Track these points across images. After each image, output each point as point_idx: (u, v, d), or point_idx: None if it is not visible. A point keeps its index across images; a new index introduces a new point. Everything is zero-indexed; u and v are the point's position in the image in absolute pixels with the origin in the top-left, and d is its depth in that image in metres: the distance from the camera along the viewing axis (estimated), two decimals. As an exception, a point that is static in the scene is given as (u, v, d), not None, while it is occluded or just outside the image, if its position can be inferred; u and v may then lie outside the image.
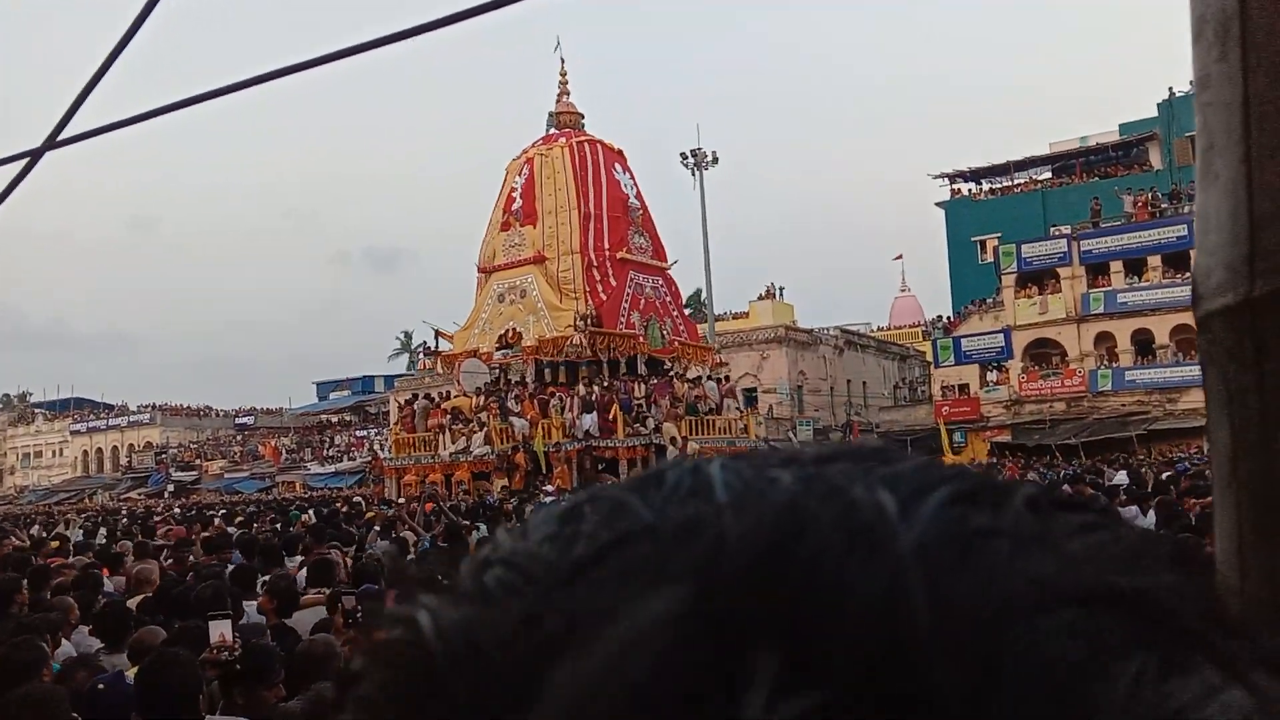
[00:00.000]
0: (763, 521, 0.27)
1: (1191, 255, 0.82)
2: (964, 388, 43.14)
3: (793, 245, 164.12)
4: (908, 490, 0.29)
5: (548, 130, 31.79)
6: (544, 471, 24.88)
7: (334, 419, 66.55)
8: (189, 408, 74.66)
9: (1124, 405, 38.46)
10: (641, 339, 28.62)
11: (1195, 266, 0.75)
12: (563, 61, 31.76)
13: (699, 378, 29.82)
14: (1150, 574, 0.28)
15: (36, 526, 20.77)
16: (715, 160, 42.37)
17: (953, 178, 55.36)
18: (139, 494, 57.14)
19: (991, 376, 42.47)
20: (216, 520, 17.95)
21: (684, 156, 42.29)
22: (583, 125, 31.77)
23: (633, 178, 31.40)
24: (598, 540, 0.28)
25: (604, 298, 28.48)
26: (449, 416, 28.22)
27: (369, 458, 43.03)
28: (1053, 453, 34.07)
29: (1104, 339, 40.33)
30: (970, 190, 55.48)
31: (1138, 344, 39.55)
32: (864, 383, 54.92)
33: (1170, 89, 49.59)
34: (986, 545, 0.28)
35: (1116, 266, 40.03)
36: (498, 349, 29.07)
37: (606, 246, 29.34)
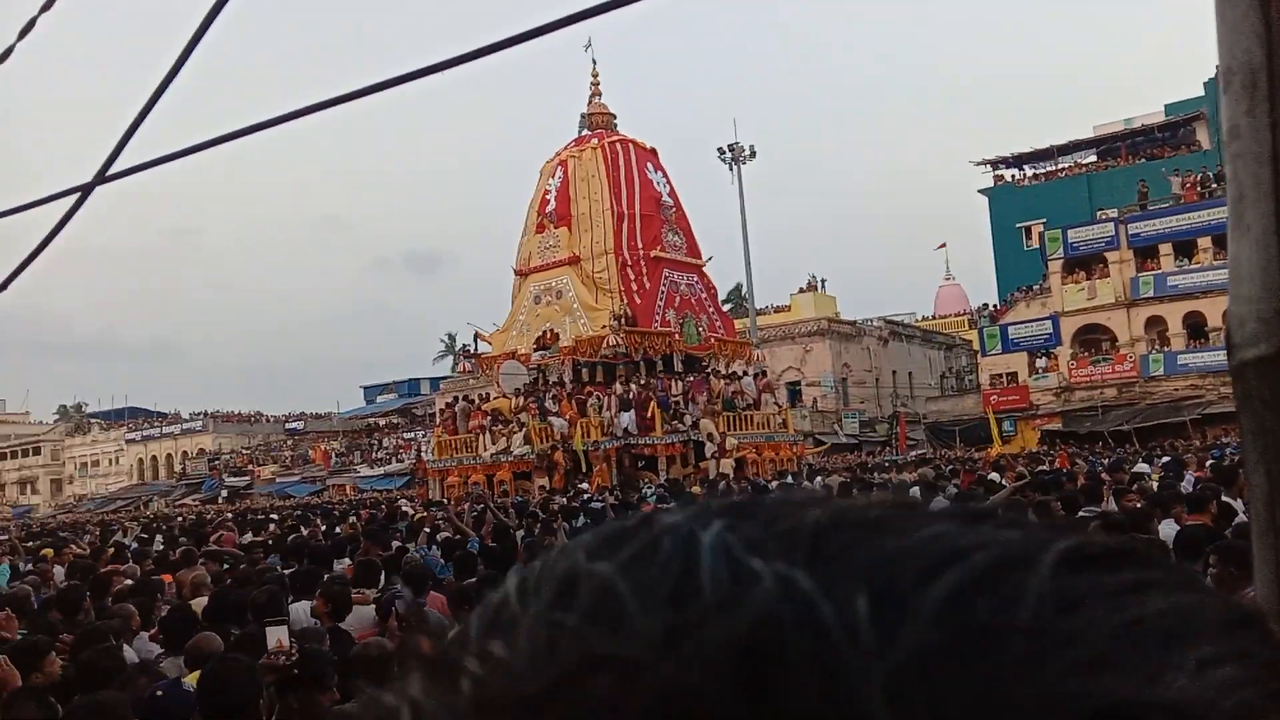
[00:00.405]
0: (725, 662, 0.26)
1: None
2: (1012, 376, 42.66)
3: (834, 237, 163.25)
4: (909, 580, 0.27)
5: (580, 131, 31.90)
6: (584, 470, 24.99)
7: (381, 422, 67.31)
8: (240, 414, 75.93)
9: (1177, 390, 37.79)
10: (677, 336, 28.64)
11: (1230, 315, 0.77)
12: (594, 62, 31.81)
13: (736, 374, 29.84)
14: (1194, 658, 0.26)
15: (89, 535, 21.17)
16: (753, 154, 42.20)
17: (995, 164, 54.72)
18: (194, 500, 58.18)
19: (1040, 364, 41.94)
20: (271, 525, 18.20)
21: (721, 151, 42.19)
22: (615, 125, 31.83)
23: (665, 176, 31.43)
24: (567, 661, 0.28)
25: (639, 298, 28.56)
26: (489, 418, 28.50)
27: (416, 459, 43.52)
28: (1105, 440, 33.61)
29: (1155, 323, 39.66)
30: (1013, 176, 54.79)
31: (1189, 327, 38.84)
32: (910, 373, 54.46)
33: (1216, 66, 48.51)
34: (991, 651, 0.26)
35: (1166, 249, 39.32)
36: (535, 350, 29.24)
37: (640, 246, 29.39)
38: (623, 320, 27.17)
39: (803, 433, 45.19)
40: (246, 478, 60.71)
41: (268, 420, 76.33)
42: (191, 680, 4.01)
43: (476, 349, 31.47)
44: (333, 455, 59.12)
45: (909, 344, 56.18)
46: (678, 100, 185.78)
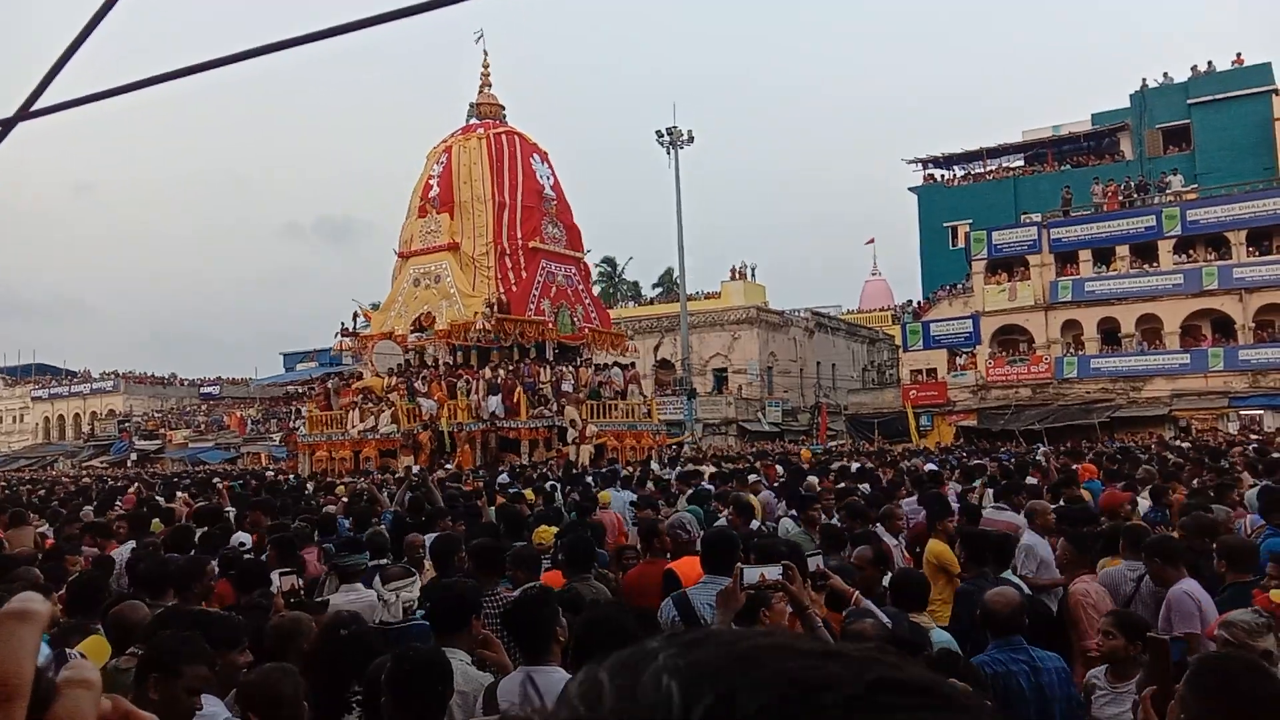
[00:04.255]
0: None
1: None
2: (932, 372, 43.50)
3: (765, 226, 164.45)
4: (748, 698, 0.44)
5: (468, 120, 32.26)
6: (448, 450, 25.47)
7: (300, 390, 66.01)
8: (153, 376, 73.75)
9: (1089, 392, 38.94)
10: (550, 325, 29.26)
11: None
12: (485, 53, 32.36)
13: (605, 364, 30.74)
14: None
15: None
16: (691, 139, 42.25)
17: (926, 163, 55.58)
18: (101, 462, 56.50)
19: (959, 361, 42.83)
20: (179, 494, 17.77)
21: (659, 134, 42.16)
22: (504, 116, 32.31)
23: (551, 169, 31.96)
24: None
25: (515, 286, 29.06)
26: (361, 396, 28.96)
27: (288, 433, 43.33)
28: (1017, 438, 34.46)
29: (1071, 326, 40.77)
30: (943, 176, 55.72)
31: (1104, 332, 40.02)
32: (833, 365, 55.25)
33: (1143, 80, 49.96)
34: None
35: (1085, 255, 40.44)
36: (412, 332, 29.70)
37: (520, 236, 29.90)
38: (495, 307, 27.64)
39: (726, 419, 45.65)
40: (158, 442, 59.11)
41: (182, 384, 74.35)
42: (84, 646, 3.89)
43: (356, 326, 31.70)
44: (249, 422, 57.87)
45: (834, 336, 56.97)
46: (616, 87, 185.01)
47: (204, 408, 67.42)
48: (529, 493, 12.93)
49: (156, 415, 65.79)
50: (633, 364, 32.28)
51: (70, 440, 67.55)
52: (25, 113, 2.16)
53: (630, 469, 19.88)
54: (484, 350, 28.35)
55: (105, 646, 3.95)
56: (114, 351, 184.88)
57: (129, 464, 53.05)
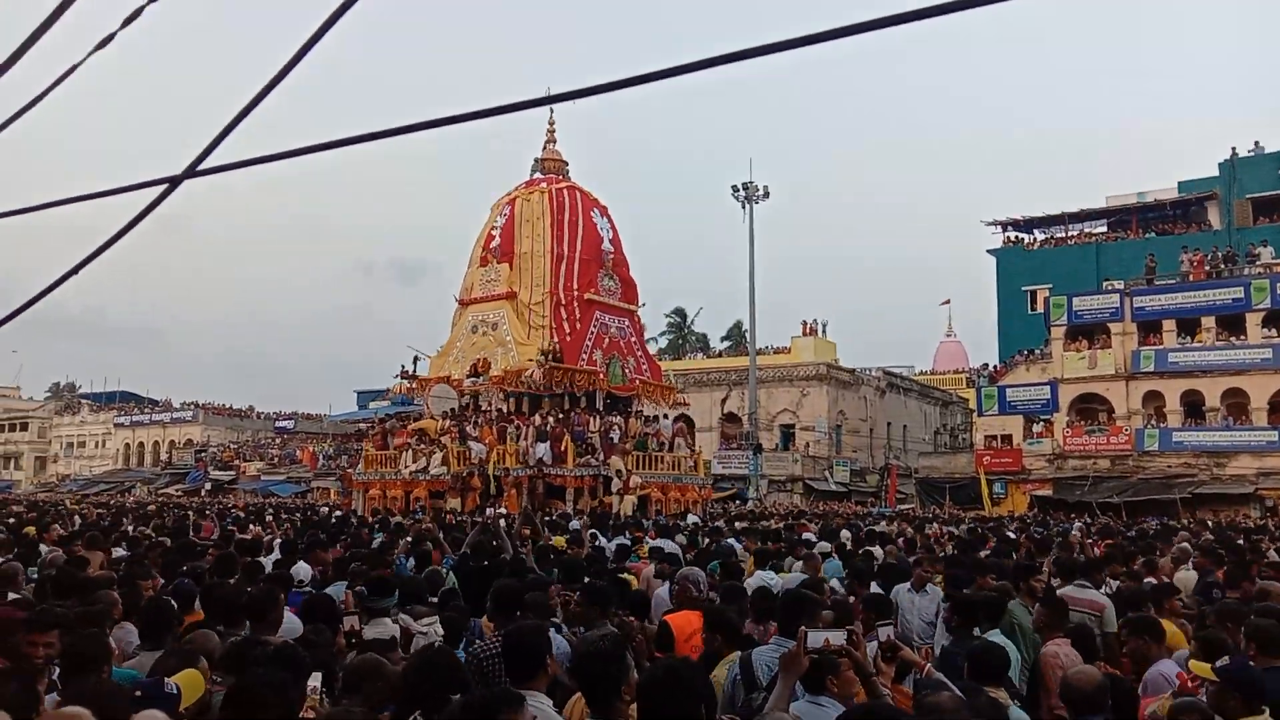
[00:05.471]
0: None
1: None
2: (1007, 438, 42.62)
3: (838, 281, 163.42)
4: None
5: (532, 175, 33.22)
6: (495, 494, 25.95)
7: (370, 429, 67.03)
8: (231, 408, 75.64)
9: (1170, 466, 37.78)
10: (601, 375, 29.64)
11: None
12: (551, 110, 32.97)
13: (655, 416, 31.25)
14: None
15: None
16: (766, 194, 42.38)
17: (1006, 225, 55.00)
18: (176, 490, 57.88)
19: (1036, 429, 41.93)
20: (252, 526, 18.20)
21: (735, 189, 42.37)
22: (566, 172, 33.26)
23: (611, 223, 32.71)
24: None
25: (569, 336, 29.67)
26: (415, 437, 29.59)
27: (344, 470, 44.23)
28: (1094, 510, 33.54)
29: (1153, 398, 39.69)
30: (1023, 239, 55.05)
31: (1187, 405, 38.88)
32: (904, 426, 54.49)
33: (1233, 149, 48.96)
34: None
35: (1169, 325, 39.42)
36: (468, 377, 30.32)
37: (576, 288, 30.57)
38: (549, 356, 28.17)
39: (792, 476, 45.20)
40: (232, 472, 60.40)
41: (259, 416, 76.10)
42: (180, 680, 3.94)
43: (415, 370, 32.50)
44: (320, 457, 58.87)
45: (905, 397, 56.24)
46: (690, 135, 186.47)
47: (278, 441, 68.82)
48: (559, 539, 13.22)
49: (232, 446, 67.33)
50: (681, 416, 32.44)
51: (148, 467, 69.40)
52: (191, 172, 2.27)
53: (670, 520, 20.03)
54: (536, 397, 28.90)
55: (200, 681, 4.02)
56: (193, 381, 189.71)
57: (203, 493, 54.24)
